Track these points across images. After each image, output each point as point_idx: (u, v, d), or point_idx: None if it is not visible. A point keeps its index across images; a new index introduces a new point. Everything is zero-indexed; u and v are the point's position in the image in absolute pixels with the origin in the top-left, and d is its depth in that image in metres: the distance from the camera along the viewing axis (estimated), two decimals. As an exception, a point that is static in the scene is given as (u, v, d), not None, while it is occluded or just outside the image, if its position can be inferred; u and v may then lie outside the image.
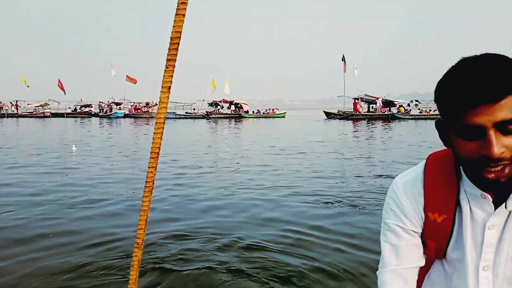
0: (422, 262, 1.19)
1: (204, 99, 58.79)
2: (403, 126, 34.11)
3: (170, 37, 0.84)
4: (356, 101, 52.22)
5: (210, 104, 58.55)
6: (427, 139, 19.85)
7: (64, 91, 60.53)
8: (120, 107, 60.45)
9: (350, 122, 41.92)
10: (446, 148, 1.11)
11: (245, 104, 59.39)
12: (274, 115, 59.48)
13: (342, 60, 57.21)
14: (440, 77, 1.00)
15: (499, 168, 0.94)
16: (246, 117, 55.49)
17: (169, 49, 0.85)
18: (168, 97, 0.87)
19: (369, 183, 8.69)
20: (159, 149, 0.91)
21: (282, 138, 22.08)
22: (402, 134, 24.62)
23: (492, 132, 0.91)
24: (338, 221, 5.90)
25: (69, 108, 62.63)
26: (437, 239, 1.15)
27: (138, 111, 57.12)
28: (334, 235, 5.31)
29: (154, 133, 0.90)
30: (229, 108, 58.34)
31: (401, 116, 48.49)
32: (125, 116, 55.14)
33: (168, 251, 4.66)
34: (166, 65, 0.84)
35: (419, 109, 53.98)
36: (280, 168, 10.92)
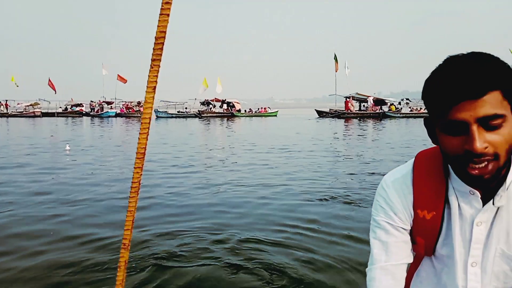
0: (410, 259, 1.20)
1: (196, 98, 58.68)
2: (394, 124, 34.32)
3: (155, 37, 0.84)
4: (348, 99, 52.45)
5: (202, 103, 58.45)
6: (418, 137, 19.98)
7: (54, 90, 60.12)
8: (111, 107, 60.16)
9: (342, 120, 42.07)
10: (435, 146, 1.12)
11: (237, 103, 59.37)
12: (266, 114, 59.54)
13: (334, 59, 57.37)
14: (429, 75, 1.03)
15: (482, 164, 0.95)
16: (238, 116, 55.47)
17: (153, 49, 0.84)
18: (153, 97, 0.87)
19: (361, 180, 8.75)
20: (145, 150, 0.91)
21: (275, 136, 22.10)
22: (393, 132, 24.78)
23: (475, 128, 0.93)
24: (333, 215, 5.97)
25: (60, 107, 62.20)
26: (426, 236, 1.16)
27: (130, 110, 56.89)
28: (330, 228, 5.38)
29: (139, 133, 0.89)
30: (221, 107, 58.28)
31: (392, 115, 48.78)
32: (117, 115, 54.90)
33: (164, 248, 4.63)
34: (151, 65, 0.84)
35: (409, 107, 54.36)
36: (274, 166, 10.94)
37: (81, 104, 62.17)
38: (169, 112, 56.88)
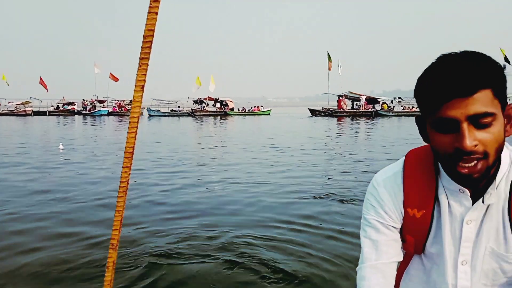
0: (400, 257, 1.20)
1: (189, 96, 58.55)
2: (386, 123, 34.46)
3: (143, 35, 0.83)
4: (340, 98, 52.61)
5: (195, 102, 58.32)
6: (410, 135, 20.07)
7: (46, 88, 59.69)
8: (103, 105, 59.86)
9: (335, 119, 42.17)
10: (425, 144, 1.13)
11: (231, 101, 59.34)
12: (259, 113, 59.54)
13: (328, 58, 57.45)
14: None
15: (472, 163, 0.95)
16: (231, 114, 55.41)
17: (142, 47, 0.84)
18: (141, 96, 0.86)
19: (354, 178, 8.78)
20: (134, 149, 0.90)
21: (268, 135, 22.09)
22: (385, 131, 24.88)
23: (465, 125, 0.93)
24: (327, 212, 6.01)
25: (52, 106, 61.81)
26: (416, 235, 1.17)
27: (122, 109, 56.62)
28: (325, 224, 5.43)
29: (128, 132, 0.89)
30: (214, 105, 58.21)
31: (385, 113, 48.99)
32: (109, 114, 54.63)
33: (158, 246, 4.63)
34: (139, 64, 0.83)
35: (402, 106, 54.64)
36: (267, 164, 10.94)
37: (73, 102, 61.81)
38: (162, 111, 56.71)
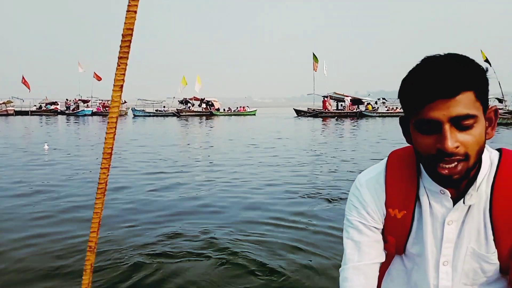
0: (382, 258, 1.21)
1: (175, 96, 58.23)
2: (371, 123, 34.76)
3: (122, 34, 0.82)
4: (325, 99, 52.90)
5: (181, 102, 58.02)
6: (394, 136, 20.28)
7: (28, 88, 58.78)
8: (87, 105, 59.20)
9: (320, 119, 42.38)
10: (408, 145, 1.13)
11: (216, 101, 59.20)
12: (245, 113, 59.52)
13: (314, 59, 57.64)
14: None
15: (452, 164, 0.96)
16: (217, 115, 55.28)
17: (120, 46, 0.82)
18: (120, 96, 0.84)
19: (341, 177, 8.85)
20: (112, 150, 0.88)
21: (254, 135, 22.12)
22: (369, 131, 25.09)
23: (447, 127, 0.94)
24: (315, 210, 6.10)
25: (34, 105, 60.89)
26: (397, 235, 1.17)
27: (107, 109, 55.98)
28: (314, 221, 5.52)
29: (106, 133, 0.87)
30: (200, 105, 58.00)
31: (369, 114, 49.42)
32: (93, 114, 54.02)
33: (141, 247, 4.60)
34: (118, 63, 0.82)
35: (386, 106, 55.22)
36: (253, 164, 10.95)
37: (56, 102, 60.99)
38: (147, 111, 56.31)
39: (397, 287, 1.26)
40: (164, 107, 59.41)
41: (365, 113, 49.77)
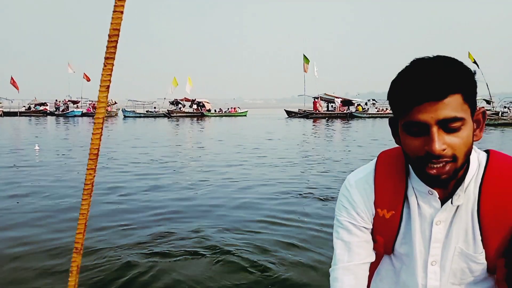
0: (372, 258, 1.22)
1: (166, 97, 57.97)
2: (361, 124, 34.93)
3: (108, 35, 0.81)
4: (316, 100, 53.03)
5: (172, 103, 57.80)
6: (384, 136, 20.39)
7: (17, 88, 58.17)
8: (77, 106, 58.74)
9: (310, 120, 42.49)
10: (397, 146, 1.14)
11: (207, 102, 59.07)
12: (236, 114, 59.47)
13: (304, 60, 57.71)
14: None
15: (440, 165, 0.97)
16: (208, 115, 55.17)
17: (107, 47, 0.82)
18: (107, 96, 0.84)
19: (332, 177, 8.88)
20: (98, 150, 0.88)
21: (245, 136, 22.12)
22: (360, 132, 25.23)
23: (435, 129, 0.95)
24: (307, 208, 6.15)
25: (24, 106, 60.28)
26: (386, 235, 1.18)
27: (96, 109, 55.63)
28: (306, 218, 5.60)
29: (92, 133, 0.86)
30: (191, 106, 57.83)
31: (359, 115, 49.68)
32: (83, 115, 53.58)
33: (131, 246, 4.59)
34: (104, 63, 0.81)
35: (376, 108, 55.52)
36: (246, 165, 10.95)
37: (45, 103, 60.38)
38: (137, 112, 56.02)
39: (386, 287, 1.26)
40: (154, 108, 59.14)
41: (355, 114, 50.01)
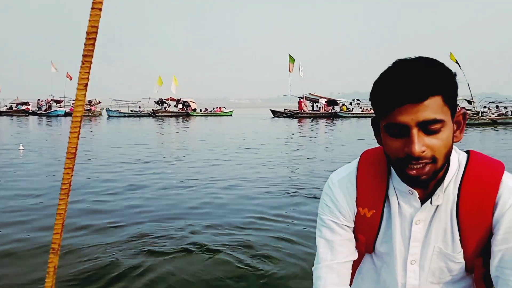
0: (355, 256, 1.22)
1: (151, 97, 57.57)
2: (345, 124, 35.20)
3: (86, 32, 0.80)
4: (301, 100, 53.21)
5: (157, 102, 57.42)
6: (368, 136, 20.57)
7: (-2, 88, 57.22)
8: (60, 105, 57.93)
9: (296, 120, 42.63)
10: (379, 145, 1.15)
11: (193, 102, 58.84)
12: (222, 114, 59.35)
13: (290, 59, 57.81)
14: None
15: (420, 166, 0.98)
16: (193, 115, 54.94)
17: (85, 44, 0.81)
18: (85, 94, 0.83)
19: (317, 175, 8.94)
20: (76, 150, 0.86)
21: (231, 135, 22.10)
22: (344, 131, 25.43)
23: (415, 131, 0.96)
24: (294, 205, 6.25)
25: (5, 106, 59.30)
26: (366, 234, 1.19)
27: (80, 109, 54.90)
28: (293, 213, 5.71)
29: (70, 132, 0.85)
30: (176, 106, 57.52)
31: (344, 115, 49.99)
32: (66, 114, 52.84)
33: (114, 245, 4.55)
34: (82, 61, 0.80)
35: (360, 107, 55.97)
36: (232, 164, 10.95)
37: (27, 102, 59.45)
38: (122, 111, 55.51)
39: (367, 285, 1.28)
40: (139, 107, 58.68)
41: (340, 114, 50.31)
